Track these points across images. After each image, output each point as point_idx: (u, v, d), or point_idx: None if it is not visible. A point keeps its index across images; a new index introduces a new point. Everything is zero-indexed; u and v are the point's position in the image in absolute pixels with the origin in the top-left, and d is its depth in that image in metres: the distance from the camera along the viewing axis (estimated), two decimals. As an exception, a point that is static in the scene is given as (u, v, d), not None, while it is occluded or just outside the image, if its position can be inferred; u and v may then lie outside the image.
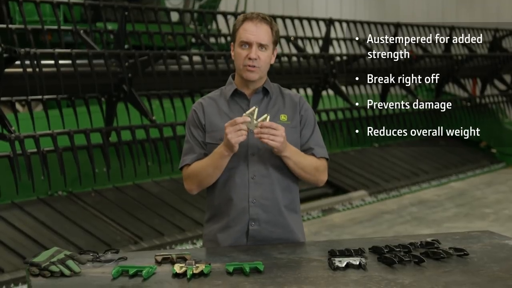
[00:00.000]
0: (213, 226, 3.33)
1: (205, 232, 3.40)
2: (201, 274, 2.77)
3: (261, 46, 3.22)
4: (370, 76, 9.95)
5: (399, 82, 10.31)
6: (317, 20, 9.50)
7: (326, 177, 3.38)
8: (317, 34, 9.41)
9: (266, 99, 3.32)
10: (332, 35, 9.53)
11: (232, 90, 3.30)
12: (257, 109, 3.10)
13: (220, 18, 8.84)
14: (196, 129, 3.30)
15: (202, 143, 3.28)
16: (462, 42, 11.82)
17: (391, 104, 10.27)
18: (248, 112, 3.10)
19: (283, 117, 3.30)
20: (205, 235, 3.40)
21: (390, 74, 10.16)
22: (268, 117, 3.11)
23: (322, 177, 3.37)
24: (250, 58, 3.20)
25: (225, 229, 3.28)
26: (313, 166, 3.31)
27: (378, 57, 9.91)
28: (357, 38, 10.06)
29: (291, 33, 9.09)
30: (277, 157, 3.23)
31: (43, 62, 6.09)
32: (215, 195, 3.30)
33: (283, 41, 9.08)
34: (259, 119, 3.09)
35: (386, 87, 10.38)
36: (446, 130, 12.91)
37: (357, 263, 2.86)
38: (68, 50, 6.43)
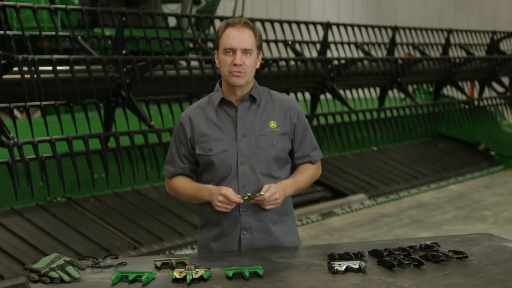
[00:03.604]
0: (206, 233, 3.36)
1: (199, 239, 3.43)
2: (201, 279, 2.77)
3: (245, 51, 3.23)
4: (368, 80, 9.99)
5: (397, 85, 10.34)
6: (314, 24, 9.51)
7: (319, 175, 3.48)
8: (314, 38, 9.42)
9: (254, 106, 3.32)
10: (330, 38, 9.53)
11: (219, 98, 3.31)
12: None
13: (217, 22, 8.84)
14: (180, 143, 3.33)
15: (184, 157, 3.32)
16: (460, 44, 11.84)
17: (389, 107, 10.32)
18: (245, 198, 3.17)
19: (272, 124, 3.30)
20: (199, 242, 3.43)
21: (388, 77, 10.22)
22: (262, 195, 3.18)
23: (315, 179, 3.48)
24: (235, 64, 3.21)
25: (218, 238, 3.30)
26: (309, 179, 3.41)
27: (376, 60, 9.96)
28: (355, 42, 10.07)
29: (289, 37, 9.09)
30: (266, 164, 3.26)
31: (41, 68, 6.08)
32: (207, 204, 3.30)
33: (280, 45, 9.08)
34: (256, 195, 3.18)
35: (384, 90, 10.38)
36: (445, 133, 13.01)
37: (357, 266, 2.87)
38: (66, 56, 6.42)
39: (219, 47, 3.28)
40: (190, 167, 3.34)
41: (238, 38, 3.22)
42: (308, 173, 3.38)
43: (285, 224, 3.36)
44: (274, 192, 3.18)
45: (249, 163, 3.23)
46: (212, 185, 3.24)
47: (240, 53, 3.21)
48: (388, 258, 2.94)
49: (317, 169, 3.44)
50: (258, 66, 3.32)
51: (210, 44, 8.80)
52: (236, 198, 3.15)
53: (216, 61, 3.32)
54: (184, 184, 3.33)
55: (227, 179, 3.23)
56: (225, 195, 3.15)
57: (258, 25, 8.70)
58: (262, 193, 3.16)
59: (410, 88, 11.20)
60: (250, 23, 3.29)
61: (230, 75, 3.23)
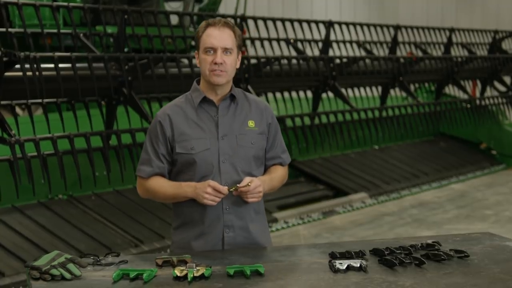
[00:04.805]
0: (185, 233, 3.34)
1: (175, 240, 3.39)
2: (202, 277, 2.78)
3: (226, 50, 3.25)
4: (370, 78, 9.99)
5: (399, 84, 10.34)
6: (316, 22, 9.50)
7: (285, 180, 3.53)
8: (316, 36, 9.41)
9: (233, 105, 3.34)
10: (332, 37, 9.53)
11: (200, 98, 3.32)
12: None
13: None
14: (158, 142, 3.31)
15: (162, 155, 3.30)
16: (462, 43, 11.83)
17: (391, 106, 10.31)
18: (232, 189, 3.19)
19: (251, 123, 3.34)
20: (174, 243, 3.40)
21: (390, 76, 10.22)
22: (248, 186, 3.20)
23: (284, 181, 3.52)
24: (216, 63, 3.22)
25: (200, 236, 3.29)
26: (281, 180, 3.45)
27: (378, 59, 9.96)
28: (357, 40, 10.06)
29: (291, 35, 9.08)
30: (246, 163, 3.29)
31: (42, 65, 6.07)
32: (186, 203, 3.30)
33: (282, 43, 9.08)
34: (239, 185, 3.20)
35: (386, 89, 10.38)
36: (446, 132, 13.01)
37: (358, 265, 2.87)
38: (68, 54, 6.42)
39: (199, 47, 3.30)
40: (167, 167, 3.33)
41: (219, 37, 3.24)
42: (279, 173, 3.44)
43: (260, 223, 3.40)
44: (259, 184, 3.21)
45: (230, 161, 3.26)
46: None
47: (220, 52, 3.23)
48: (389, 257, 2.94)
49: (286, 172, 3.50)
50: (238, 65, 3.34)
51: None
52: (225, 189, 3.17)
53: (196, 61, 3.34)
54: (162, 184, 3.31)
55: (209, 177, 3.24)
56: (213, 187, 3.15)
57: (260, 23, 8.71)
58: (249, 184, 3.18)
59: (411, 87, 11.20)
60: (230, 23, 3.32)
61: (211, 74, 3.25)
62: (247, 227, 3.30)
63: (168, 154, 3.31)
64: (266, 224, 3.48)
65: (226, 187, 3.18)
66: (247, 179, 3.20)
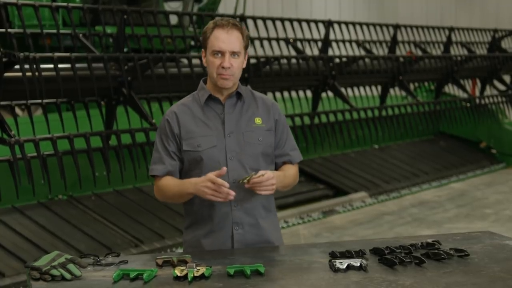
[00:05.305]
0: (195, 232, 3.35)
1: (186, 239, 3.40)
2: (202, 276, 2.78)
3: (233, 53, 3.24)
4: (369, 78, 9.99)
5: (398, 83, 10.34)
6: (316, 22, 9.50)
7: (297, 181, 3.50)
8: (316, 36, 9.41)
9: (240, 102, 3.36)
10: (331, 36, 9.52)
11: (206, 96, 3.32)
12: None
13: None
14: (168, 140, 3.32)
15: (173, 153, 3.31)
16: (461, 42, 11.84)
17: (391, 105, 10.31)
18: (245, 180, 3.16)
19: (257, 120, 3.34)
20: (186, 242, 3.41)
21: (390, 75, 10.22)
22: (256, 175, 3.17)
23: (296, 181, 3.49)
24: (223, 67, 3.22)
25: (210, 234, 3.30)
26: (293, 179, 3.44)
27: (377, 58, 9.96)
28: (357, 40, 10.06)
29: (290, 35, 9.08)
30: (254, 159, 3.29)
31: (42, 66, 6.08)
32: (195, 202, 3.30)
33: (282, 43, 9.08)
34: (250, 176, 3.16)
35: (385, 88, 10.38)
36: (446, 131, 13.01)
37: (358, 264, 2.87)
38: (67, 54, 6.42)
39: (206, 48, 3.29)
40: (179, 165, 3.33)
41: (227, 40, 3.23)
42: (292, 172, 3.42)
43: (271, 220, 3.40)
44: (272, 177, 3.18)
45: (238, 158, 3.27)
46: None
47: (228, 55, 3.23)
48: (389, 256, 2.94)
49: (297, 172, 3.48)
50: (244, 65, 3.35)
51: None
52: (222, 180, 3.12)
53: (203, 60, 3.34)
54: (169, 183, 3.31)
55: None
56: (212, 180, 3.11)
57: (259, 23, 8.70)
58: (262, 174, 3.15)
59: (411, 86, 11.20)
60: (237, 24, 3.30)
61: (218, 78, 3.26)
62: (257, 224, 3.30)
63: (178, 151, 3.31)
64: (277, 222, 3.47)
65: (226, 175, 3.15)
66: (260, 172, 3.18)
